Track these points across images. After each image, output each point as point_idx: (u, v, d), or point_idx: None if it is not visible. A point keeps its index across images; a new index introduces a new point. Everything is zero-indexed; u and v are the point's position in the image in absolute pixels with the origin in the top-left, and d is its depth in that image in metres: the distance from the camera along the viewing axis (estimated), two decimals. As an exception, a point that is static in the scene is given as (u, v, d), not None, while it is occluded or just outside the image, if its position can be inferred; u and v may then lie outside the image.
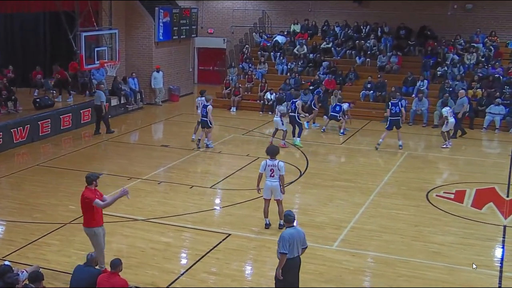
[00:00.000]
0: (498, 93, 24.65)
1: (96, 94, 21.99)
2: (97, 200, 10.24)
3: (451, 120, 20.71)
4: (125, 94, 25.90)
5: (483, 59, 27.24)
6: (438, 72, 26.85)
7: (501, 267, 11.79)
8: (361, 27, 30.43)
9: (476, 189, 16.39)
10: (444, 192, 16.18)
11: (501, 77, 25.89)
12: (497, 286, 10.96)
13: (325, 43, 30.05)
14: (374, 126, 24.07)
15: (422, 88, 25.67)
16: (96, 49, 23.69)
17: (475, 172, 18.31)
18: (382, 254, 12.17)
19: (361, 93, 26.42)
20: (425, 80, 26.07)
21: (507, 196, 16.03)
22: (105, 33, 24.70)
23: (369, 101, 26.25)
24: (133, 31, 27.80)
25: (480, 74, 26.12)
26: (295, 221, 9.57)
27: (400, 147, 20.31)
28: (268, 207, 13.19)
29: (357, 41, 29.59)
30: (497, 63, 26.82)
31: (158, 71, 27.84)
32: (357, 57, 28.86)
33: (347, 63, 28.78)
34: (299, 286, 9.63)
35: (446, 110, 20.83)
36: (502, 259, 12.18)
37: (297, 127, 20.50)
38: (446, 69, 26.87)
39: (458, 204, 15.30)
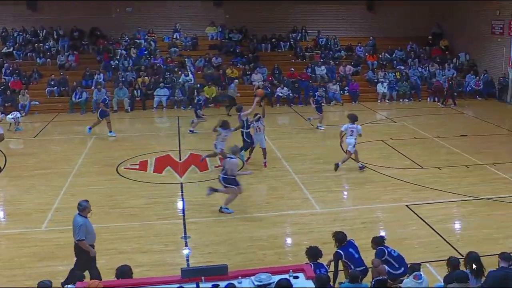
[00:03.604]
0: (161, 79, 25.69)
1: None
2: None
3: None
4: None
5: (146, 52, 28.00)
6: (112, 66, 26.86)
7: (183, 215, 12.48)
8: (38, 31, 28.68)
9: (155, 158, 16.95)
10: (130, 164, 16.39)
11: (162, 66, 26.97)
12: (183, 230, 11.58)
13: (6, 48, 27.66)
14: (62, 118, 23.17)
15: (99, 81, 25.42)
16: None
17: (152, 144, 18.81)
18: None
19: (46, 90, 25.03)
20: (101, 74, 25.86)
21: (180, 160, 16.93)
22: None
23: (54, 96, 25.06)
24: None
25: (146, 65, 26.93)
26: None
27: None
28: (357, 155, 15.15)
29: (36, 44, 27.89)
30: (157, 54, 27.86)
31: None
32: (38, 58, 27.19)
33: (29, 64, 26.87)
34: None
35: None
36: (183, 209, 12.89)
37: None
38: (117, 62, 27.01)
39: (143, 172, 15.65)
